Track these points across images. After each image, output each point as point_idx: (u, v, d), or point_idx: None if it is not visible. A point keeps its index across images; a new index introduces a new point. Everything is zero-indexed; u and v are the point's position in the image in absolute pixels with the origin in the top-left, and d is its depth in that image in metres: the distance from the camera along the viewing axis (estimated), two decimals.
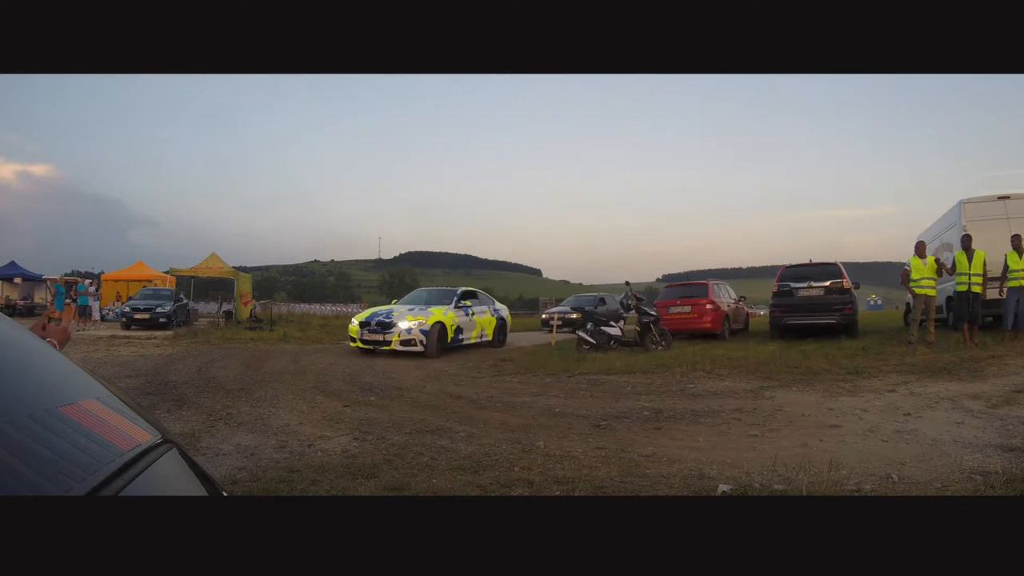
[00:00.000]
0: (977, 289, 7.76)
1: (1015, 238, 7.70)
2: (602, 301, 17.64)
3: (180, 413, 4.74)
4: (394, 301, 11.42)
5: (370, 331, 9.50)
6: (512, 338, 13.22)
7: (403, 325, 9.39)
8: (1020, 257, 7.62)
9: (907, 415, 4.18)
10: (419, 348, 9.31)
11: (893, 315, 19.17)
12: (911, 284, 8.36)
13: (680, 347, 9.39)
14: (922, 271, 8.24)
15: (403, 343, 9.30)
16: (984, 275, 7.78)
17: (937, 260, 8.33)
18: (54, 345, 1.11)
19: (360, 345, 9.68)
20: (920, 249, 8.33)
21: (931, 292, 8.27)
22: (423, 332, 9.31)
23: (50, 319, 1.59)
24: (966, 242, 7.94)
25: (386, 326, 9.46)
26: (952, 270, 8.12)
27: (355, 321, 10.04)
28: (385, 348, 9.35)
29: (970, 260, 7.82)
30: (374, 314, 9.94)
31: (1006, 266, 7.71)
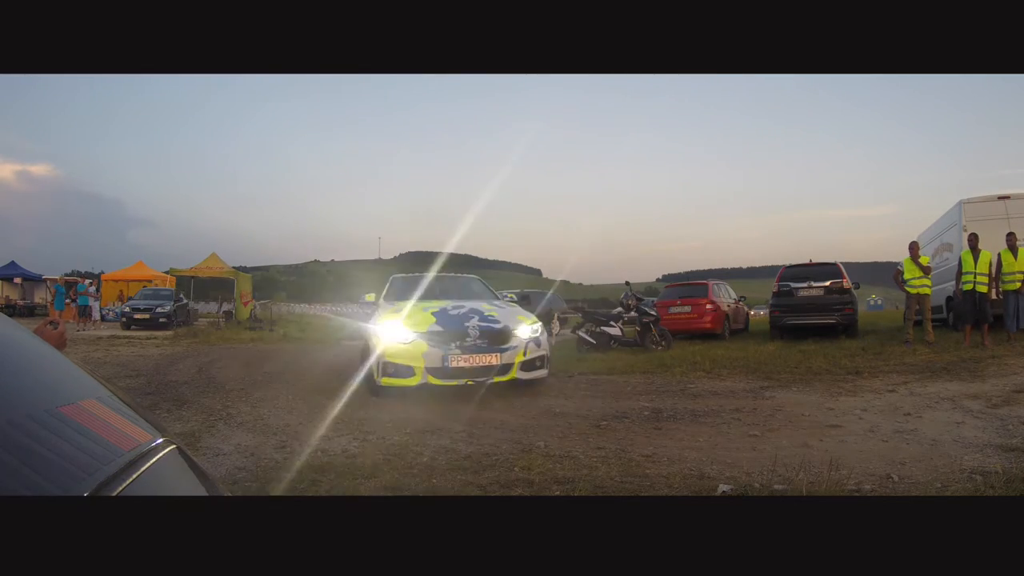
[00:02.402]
0: (982, 289, 7.76)
1: (1010, 236, 7.69)
2: (526, 299, 14.43)
3: (180, 413, 4.74)
4: (370, 295, 6.70)
5: (465, 349, 4.96)
6: None
7: (524, 333, 5.30)
8: (1015, 258, 7.61)
9: (907, 415, 4.18)
10: (543, 373, 5.55)
11: (893, 315, 19.18)
12: (904, 284, 8.38)
13: (680, 347, 9.39)
14: (914, 271, 8.25)
15: (527, 366, 5.22)
16: (989, 275, 7.77)
17: (917, 263, 8.30)
18: None
19: (435, 382, 4.92)
20: (913, 249, 8.33)
21: (925, 291, 8.27)
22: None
23: (51, 323, 1.58)
24: (973, 241, 7.93)
25: (498, 336, 5.13)
26: (960, 269, 8.09)
27: (408, 333, 5.00)
28: (499, 380, 5.06)
29: (976, 259, 7.82)
30: (445, 314, 5.29)
31: (1000, 266, 7.70)
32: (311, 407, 5.09)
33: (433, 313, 5.37)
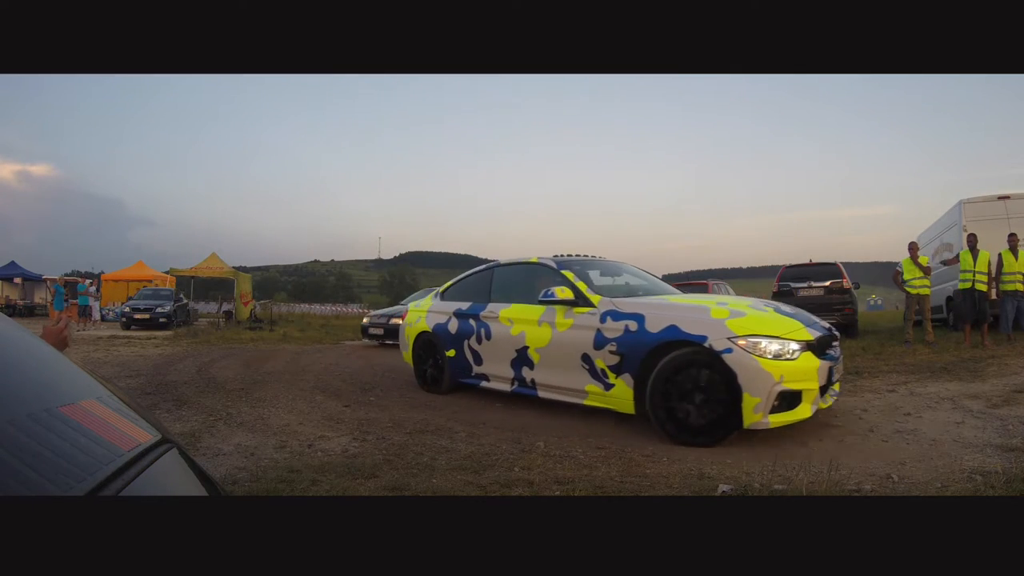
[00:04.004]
0: (981, 288, 7.77)
1: (1011, 237, 7.71)
2: None
3: (180, 413, 4.74)
4: (569, 289, 4.43)
5: (837, 359, 3.92)
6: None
7: None
8: (1016, 259, 7.61)
9: (907, 415, 4.18)
10: None
11: (893, 315, 19.19)
12: (904, 284, 8.40)
13: None
14: (914, 271, 8.26)
15: None
16: (988, 274, 7.80)
17: (916, 263, 8.31)
18: None
19: (821, 407, 3.72)
20: (912, 250, 8.36)
21: (924, 292, 8.28)
22: None
23: (58, 322, 1.58)
24: (972, 241, 7.95)
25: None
26: (955, 261, 8.12)
27: (792, 343, 3.52)
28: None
29: (975, 259, 7.84)
30: (783, 311, 4.00)
31: (1000, 266, 7.71)
32: (311, 407, 5.09)
33: (778, 310, 3.99)
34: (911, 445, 3.43)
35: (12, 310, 21.33)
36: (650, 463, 3.26)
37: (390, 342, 10.63)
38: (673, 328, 3.71)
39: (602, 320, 4.13)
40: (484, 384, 5.18)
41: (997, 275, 7.77)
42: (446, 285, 6.10)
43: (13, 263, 24.78)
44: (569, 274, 4.63)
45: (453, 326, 5.48)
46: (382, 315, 11.58)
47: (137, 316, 15.50)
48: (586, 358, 4.16)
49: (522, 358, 4.71)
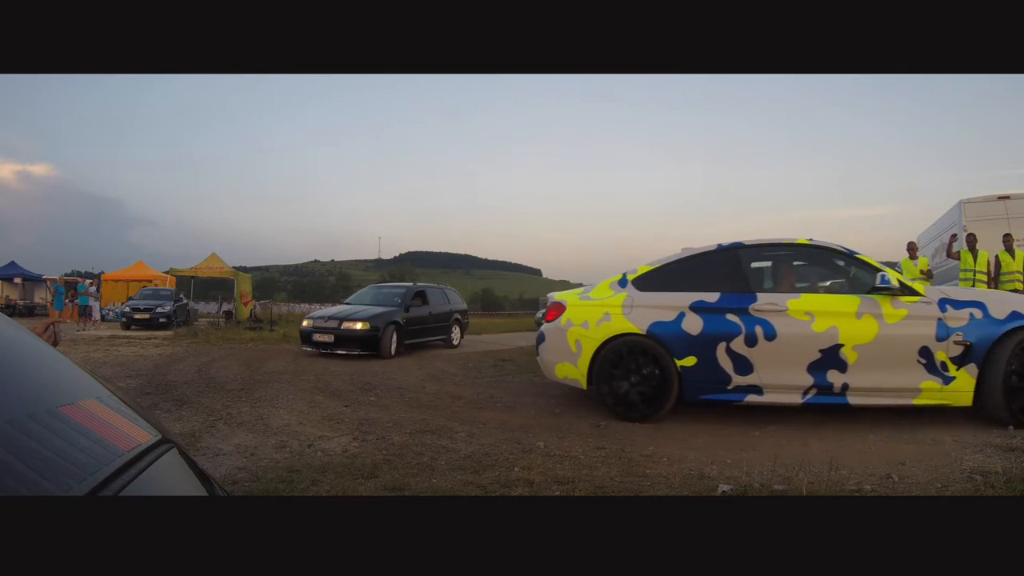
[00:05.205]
0: (981, 287, 7.79)
1: (1007, 237, 7.72)
2: (420, 297, 10.30)
3: (180, 413, 4.74)
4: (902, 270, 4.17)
5: None
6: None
7: None
8: (1013, 259, 7.63)
9: (907, 415, 4.18)
10: None
11: None
12: None
13: None
14: (913, 272, 8.27)
15: None
16: (988, 274, 7.81)
17: (916, 263, 8.33)
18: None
19: None
20: (911, 250, 8.35)
21: None
22: None
23: (53, 323, 1.57)
24: (971, 241, 7.96)
25: None
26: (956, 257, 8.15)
27: None
28: None
29: (975, 258, 7.85)
30: None
31: (999, 266, 7.72)
32: (311, 407, 5.09)
33: None
34: (911, 445, 3.44)
35: (12, 310, 21.32)
36: (650, 463, 3.27)
37: (342, 351, 8.70)
38: (1017, 314, 3.80)
39: (941, 308, 3.89)
40: (751, 399, 4.14)
41: (996, 275, 7.78)
42: (642, 270, 4.76)
43: (13, 263, 24.79)
44: (869, 259, 4.19)
45: (693, 325, 4.26)
46: (331, 316, 9.09)
47: (137, 316, 15.49)
48: (925, 352, 3.84)
49: (829, 359, 3.96)
